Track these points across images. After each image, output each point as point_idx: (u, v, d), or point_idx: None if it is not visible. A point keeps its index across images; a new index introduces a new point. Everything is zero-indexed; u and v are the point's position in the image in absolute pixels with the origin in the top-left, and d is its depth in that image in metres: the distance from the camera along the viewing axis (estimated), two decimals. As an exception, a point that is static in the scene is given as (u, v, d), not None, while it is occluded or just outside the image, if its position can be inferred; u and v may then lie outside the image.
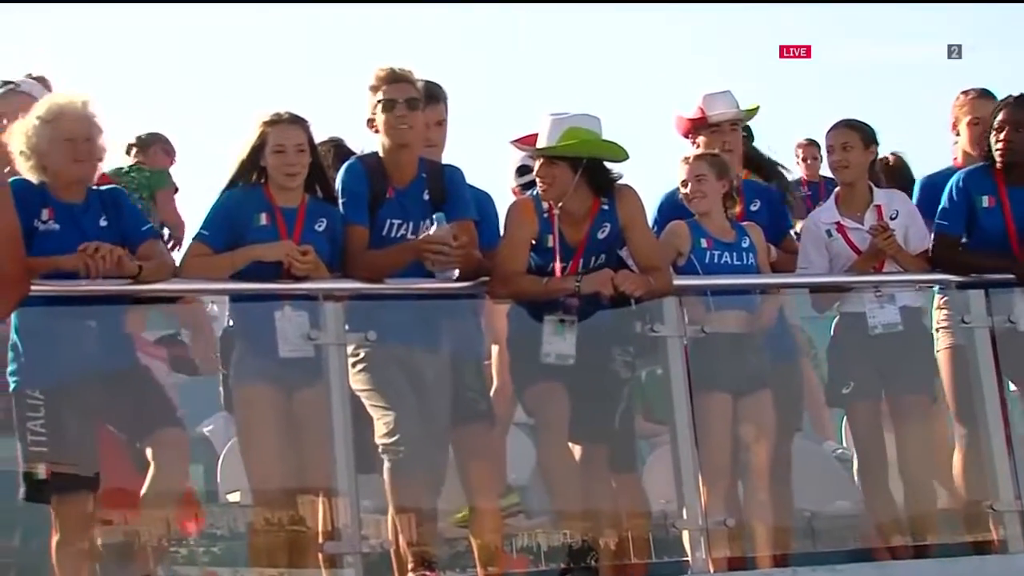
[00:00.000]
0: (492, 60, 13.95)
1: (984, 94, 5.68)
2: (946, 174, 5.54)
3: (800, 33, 12.18)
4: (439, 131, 5.23)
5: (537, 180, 5.07)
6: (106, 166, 5.08)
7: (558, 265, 5.05)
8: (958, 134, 5.66)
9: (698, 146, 5.62)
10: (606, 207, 5.09)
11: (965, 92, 5.71)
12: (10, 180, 4.65)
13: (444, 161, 5.22)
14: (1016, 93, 5.48)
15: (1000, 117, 5.34)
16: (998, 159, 5.34)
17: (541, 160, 5.05)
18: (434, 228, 4.86)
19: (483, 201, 5.25)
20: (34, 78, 6.40)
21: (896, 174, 5.90)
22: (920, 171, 5.94)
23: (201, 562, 4.99)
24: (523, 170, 5.61)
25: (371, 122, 5.02)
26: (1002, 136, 5.31)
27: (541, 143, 5.04)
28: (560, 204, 5.05)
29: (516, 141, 5.16)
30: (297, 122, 4.95)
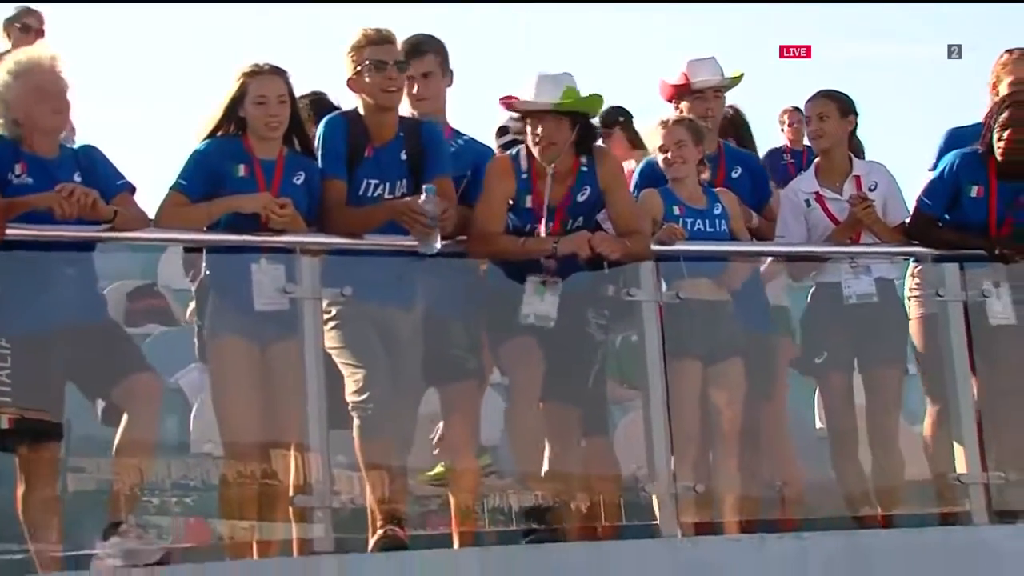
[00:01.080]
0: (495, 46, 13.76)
1: None
2: (975, 129, 5.41)
3: (800, 33, 12.01)
4: (425, 83, 5.06)
5: (538, 138, 4.89)
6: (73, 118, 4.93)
7: (542, 226, 4.91)
8: (997, 93, 5.50)
9: (681, 111, 5.47)
10: (585, 169, 4.97)
11: (1010, 51, 5.56)
12: None
13: (450, 119, 5.11)
14: None
15: (1006, 115, 5.23)
16: (998, 155, 5.25)
17: (542, 118, 4.86)
18: (423, 198, 4.71)
19: (487, 157, 5.09)
20: (29, 11, 6.27)
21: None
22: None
23: (173, 512, 4.87)
24: (502, 131, 5.45)
25: (352, 81, 4.85)
26: (1006, 135, 5.22)
27: (543, 100, 4.85)
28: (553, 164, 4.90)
29: (511, 99, 4.95)
30: (278, 73, 4.81)
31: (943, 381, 5.32)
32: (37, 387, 4.57)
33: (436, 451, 5.18)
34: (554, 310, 4.88)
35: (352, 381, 4.74)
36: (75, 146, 4.84)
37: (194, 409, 5.41)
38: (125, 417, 4.58)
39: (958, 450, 5.28)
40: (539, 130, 4.90)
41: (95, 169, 4.71)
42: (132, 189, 4.78)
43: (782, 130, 7.14)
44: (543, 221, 4.93)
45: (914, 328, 5.40)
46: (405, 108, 5.06)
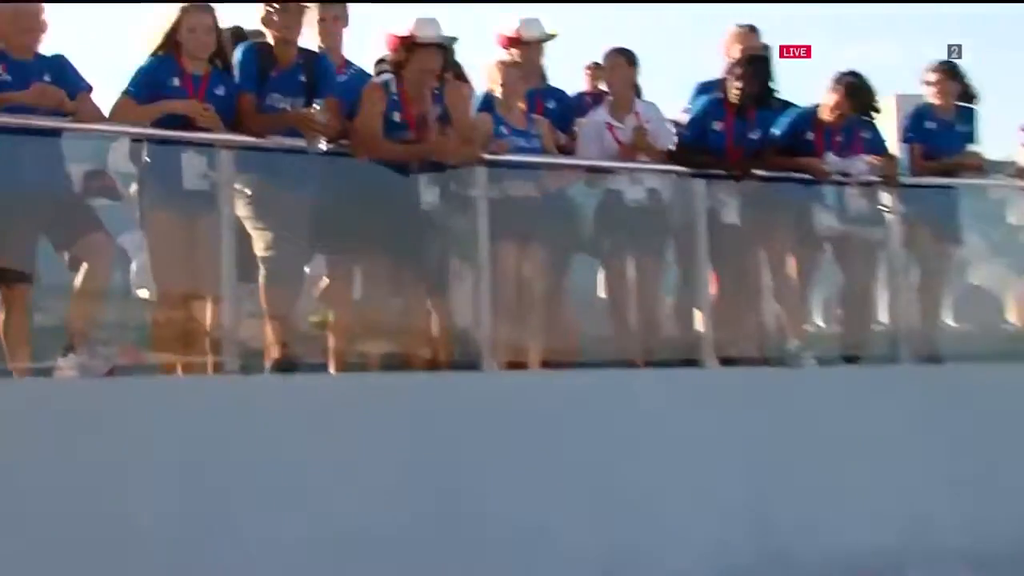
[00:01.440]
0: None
1: (752, 30, 6.96)
2: (717, 82, 6.72)
3: (800, 33, 11.77)
4: (334, 25, 6.20)
5: (423, 65, 5.99)
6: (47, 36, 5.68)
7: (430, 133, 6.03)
8: (730, 56, 6.91)
9: (512, 57, 6.72)
10: (437, 92, 6.16)
11: (740, 26, 6.96)
12: None
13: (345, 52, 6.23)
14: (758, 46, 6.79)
15: (739, 71, 6.64)
16: (733, 99, 6.69)
17: (429, 50, 5.98)
18: (315, 110, 5.76)
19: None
20: None
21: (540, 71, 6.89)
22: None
23: (116, 343, 5.75)
24: (379, 62, 6.50)
25: (264, 19, 5.92)
26: (739, 85, 6.63)
27: (433, 36, 5.99)
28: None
29: (411, 35, 6.02)
30: (207, 10, 5.82)
31: (690, 265, 6.61)
32: (13, 239, 5.31)
33: (318, 301, 6.23)
34: (438, 200, 6.06)
35: (261, 240, 5.62)
36: (47, 54, 5.48)
37: (133, 264, 6.30)
38: (84, 266, 5.31)
39: (697, 314, 6.61)
40: (426, 60, 5.93)
41: (63, 72, 5.41)
42: (90, 89, 5.50)
43: (586, 77, 8.60)
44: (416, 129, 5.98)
45: (673, 226, 6.78)
46: (313, 41, 6.15)
